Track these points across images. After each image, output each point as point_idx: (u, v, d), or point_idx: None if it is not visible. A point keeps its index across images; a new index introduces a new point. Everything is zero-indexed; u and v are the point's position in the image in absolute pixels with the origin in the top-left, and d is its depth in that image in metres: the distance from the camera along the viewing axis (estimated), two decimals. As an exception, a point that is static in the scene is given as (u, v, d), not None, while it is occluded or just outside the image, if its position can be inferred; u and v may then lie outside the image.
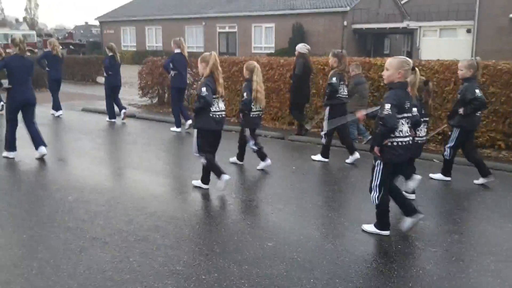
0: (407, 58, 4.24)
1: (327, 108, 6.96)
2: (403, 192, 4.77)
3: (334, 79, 6.74)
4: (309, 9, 28.90)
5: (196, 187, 5.59)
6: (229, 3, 34.15)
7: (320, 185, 6.31)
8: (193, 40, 34.87)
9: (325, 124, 7.02)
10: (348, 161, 7.10)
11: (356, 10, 28.31)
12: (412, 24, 27.73)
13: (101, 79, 11.20)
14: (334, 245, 4.09)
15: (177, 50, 9.43)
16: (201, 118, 5.24)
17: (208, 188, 5.55)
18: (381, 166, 4.14)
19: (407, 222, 4.30)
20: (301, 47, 8.66)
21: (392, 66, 4.07)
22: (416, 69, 4.38)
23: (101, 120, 10.71)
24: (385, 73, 4.15)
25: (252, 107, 6.22)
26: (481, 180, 6.06)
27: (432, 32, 27.07)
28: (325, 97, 7.02)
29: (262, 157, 6.54)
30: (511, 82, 7.63)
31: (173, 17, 35.24)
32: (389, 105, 3.93)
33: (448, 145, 6.09)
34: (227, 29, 33.31)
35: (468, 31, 25.28)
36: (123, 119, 10.61)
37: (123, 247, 3.93)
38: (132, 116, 11.29)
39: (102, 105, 11.74)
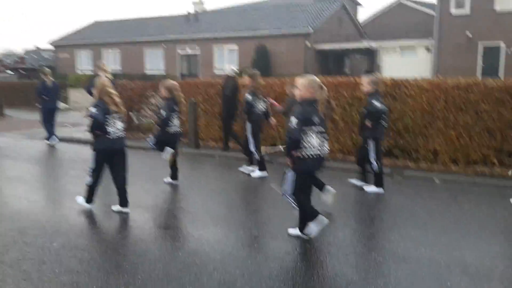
0: (315, 77, 4.61)
1: (249, 124, 7.36)
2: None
3: (249, 96, 7.23)
4: (272, 31, 28.92)
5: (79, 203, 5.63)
6: (190, 26, 33.74)
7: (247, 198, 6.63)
8: (153, 62, 34.08)
9: (249, 137, 7.41)
10: (241, 169, 7.69)
11: (318, 31, 28.60)
12: (374, 44, 28.27)
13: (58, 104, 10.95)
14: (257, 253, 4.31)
15: (100, 73, 9.47)
16: (98, 139, 5.36)
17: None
18: (294, 176, 4.44)
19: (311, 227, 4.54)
20: (229, 71, 9.42)
21: (303, 86, 4.44)
22: (324, 86, 4.60)
23: (72, 150, 9.90)
24: (296, 92, 4.51)
25: (170, 123, 6.59)
26: (355, 181, 6.66)
27: (393, 51, 27.65)
28: (244, 114, 7.44)
29: (174, 175, 6.91)
30: (502, 99, 7.58)
31: (132, 40, 34.41)
32: (296, 119, 4.28)
33: (372, 159, 6.35)
34: (188, 51, 32.82)
35: (428, 49, 26.01)
36: (52, 145, 10.50)
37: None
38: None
39: (71, 132, 10.94)
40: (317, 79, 4.54)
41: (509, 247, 4.61)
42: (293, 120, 4.29)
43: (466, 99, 7.80)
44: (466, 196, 6.31)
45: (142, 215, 5.50)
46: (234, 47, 30.43)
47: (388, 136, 8.04)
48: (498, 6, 23.13)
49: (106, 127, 5.26)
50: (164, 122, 6.57)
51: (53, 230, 4.88)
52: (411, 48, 27.10)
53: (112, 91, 5.41)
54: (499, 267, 3.97)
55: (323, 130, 4.44)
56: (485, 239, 4.69)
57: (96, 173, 5.46)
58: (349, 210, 5.88)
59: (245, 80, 7.51)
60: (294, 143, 4.30)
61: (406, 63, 26.00)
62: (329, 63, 31.20)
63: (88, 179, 5.51)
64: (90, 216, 5.49)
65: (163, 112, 6.59)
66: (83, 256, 4.18)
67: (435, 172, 7.51)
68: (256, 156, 7.46)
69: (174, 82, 6.79)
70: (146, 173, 7.67)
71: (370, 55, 30.47)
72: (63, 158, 9.39)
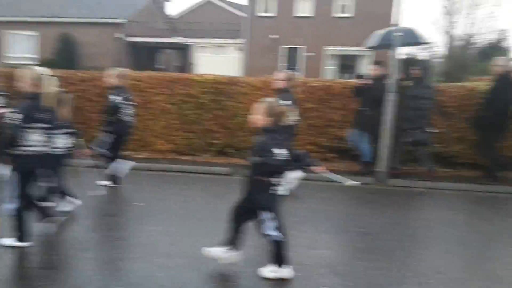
0: (39, 70, 4.29)
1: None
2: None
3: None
4: (78, 18, 26.41)
5: None
6: (-27, 5, 28.61)
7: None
8: None
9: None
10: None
11: (130, 23, 27.33)
12: (188, 40, 28.38)
13: None
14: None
15: None
16: None
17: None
18: (18, 177, 4.14)
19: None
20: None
21: (26, 79, 4.16)
22: (51, 80, 4.29)
23: None
24: (19, 85, 4.21)
25: None
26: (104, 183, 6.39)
27: (206, 49, 28.21)
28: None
29: None
30: (324, 98, 8.23)
31: None
32: (17, 115, 4.00)
33: (101, 149, 6.27)
34: (-29, 36, 27.77)
35: (239, 49, 27.25)
36: None
37: None
38: None
39: None
40: (44, 71, 4.27)
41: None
42: (16, 116, 3.99)
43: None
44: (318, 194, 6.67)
45: None
46: (34, 33, 26.96)
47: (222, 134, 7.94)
48: (299, 12, 25.71)
49: None
50: None
51: None
52: (223, 47, 28.10)
53: None
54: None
55: (51, 126, 4.21)
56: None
57: None
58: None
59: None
60: (13, 139, 4.01)
61: (218, 61, 26.84)
62: (142, 57, 30.20)
63: None
64: None
65: None
66: None
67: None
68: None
69: None
70: None
71: (183, 51, 30.60)
72: None
